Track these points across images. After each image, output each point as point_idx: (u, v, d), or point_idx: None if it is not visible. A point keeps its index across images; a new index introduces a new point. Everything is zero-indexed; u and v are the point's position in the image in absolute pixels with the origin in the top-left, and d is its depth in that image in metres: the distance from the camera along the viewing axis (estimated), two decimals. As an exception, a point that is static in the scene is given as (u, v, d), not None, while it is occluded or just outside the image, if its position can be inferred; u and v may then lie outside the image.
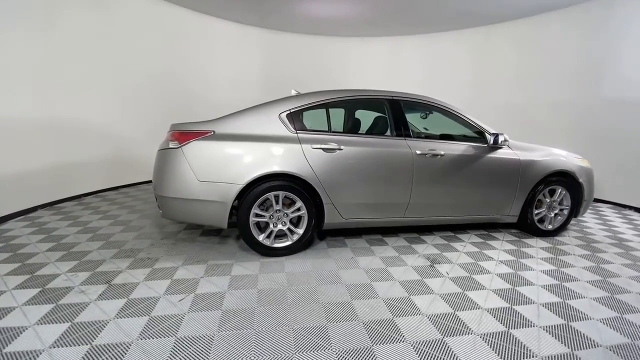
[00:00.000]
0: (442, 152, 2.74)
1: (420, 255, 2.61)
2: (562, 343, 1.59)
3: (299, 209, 2.48)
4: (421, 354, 1.49)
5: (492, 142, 2.85)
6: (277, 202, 2.44)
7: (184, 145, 2.35)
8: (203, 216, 2.43)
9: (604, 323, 1.78)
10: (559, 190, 3.09)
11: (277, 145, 2.42)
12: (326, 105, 2.69)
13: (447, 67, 6.64)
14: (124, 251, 2.55)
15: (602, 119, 4.68)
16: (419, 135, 2.88)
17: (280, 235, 2.53)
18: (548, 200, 3.10)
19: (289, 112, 2.55)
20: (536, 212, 3.08)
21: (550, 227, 3.14)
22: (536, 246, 2.90)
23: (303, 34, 6.96)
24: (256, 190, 2.36)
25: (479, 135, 2.93)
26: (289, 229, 2.50)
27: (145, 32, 5.02)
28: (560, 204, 3.14)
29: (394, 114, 2.79)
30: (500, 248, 2.83)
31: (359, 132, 2.88)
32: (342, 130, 2.91)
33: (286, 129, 2.49)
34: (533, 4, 4.93)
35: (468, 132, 2.95)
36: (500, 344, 1.57)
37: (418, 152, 2.68)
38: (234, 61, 6.49)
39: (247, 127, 2.47)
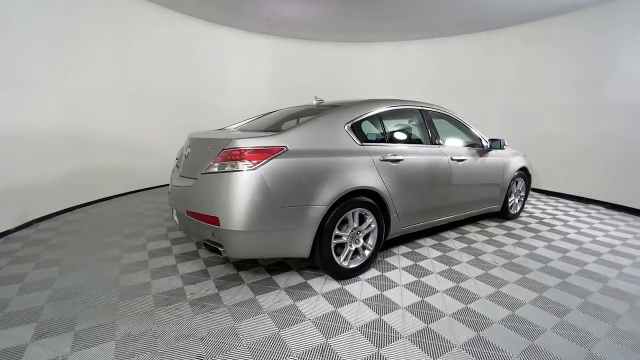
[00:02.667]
0: (464, 157, 3.10)
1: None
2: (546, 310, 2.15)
3: (369, 225, 2.41)
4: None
5: (489, 146, 3.40)
6: (353, 220, 2.31)
7: (261, 165, 1.95)
8: (283, 248, 2.09)
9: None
10: (520, 181, 3.93)
11: (350, 159, 2.28)
12: (379, 116, 2.64)
13: (452, 72, 6.70)
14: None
15: (606, 122, 4.72)
16: (444, 143, 3.15)
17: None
18: (516, 190, 3.91)
19: (352, 123, 2.41)
20: (509, 200, 3.85)
21: (515, 211, 3.98)
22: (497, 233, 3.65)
23: (309, 41, 7.15)
24: (338, 210, 2.18)
25: (478, 140, 3.42)
26: (362, 246, 2.41)
27: (158, 42, 5.22)
28: (519, 192, 4.00)
29: (427, 123, 2.97)
30: (455, 248, 3.45)
31: (406, 141, 2.93)
32: (398, 140, 2.88)
33: (353, 141, 2.35)
34: (536, 9, 5.00)
35: (470, 138, 3.40)
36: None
37: (451, 158, 2.96)
38: (242, 68, 6.65)
39: (315, 140, 2.21)
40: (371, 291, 2.21)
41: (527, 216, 4.16)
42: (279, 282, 2.30)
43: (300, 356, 1.58)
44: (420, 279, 2.40)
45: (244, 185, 1.91)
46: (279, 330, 1.78)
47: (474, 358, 1.60)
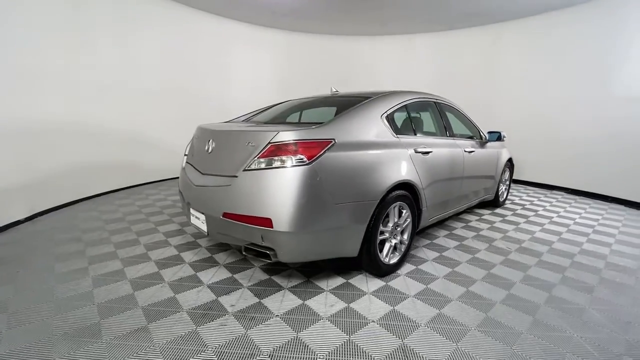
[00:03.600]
0: (473, 149, 3.21)
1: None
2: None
3: (405, 219, 2.37)
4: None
5: (487, 138, 3.57)
6: (394, 214, 2.25)
7: (316, 160, 1.78)
8: (334, 248, 1.96)
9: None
10: (507, 171, 4.22)
11: (391, 152, 2.21)
12: (406, 107, 2.60)
13: (458, 65, 6.60)
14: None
15: (614, 116, 4.68)
16: (456, 135, 3.22)
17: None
18: (504, 180, 4.19)
19: (387, 113, 2.33)
20: (499, 189, 4.11)
21: (503, 199, 4.27)
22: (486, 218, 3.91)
23: (314, 34, 7.05)
24: (383, 204, 2.09)
25: (477, 132, 3.57)
26: (400, 241, 2.36)
27: (162, 35, 5.17)
28: (506, 181, 4.30)
29: (441, 115, 3.01)
30: (467, 236, 3.66)
31: (429, 133, 2.92)
32: (423, 132, 2.86)
33: (390, 133, 2.28)
34: (544, 1, 4.92)
35: (472, 130, 3.54)
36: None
37: (465, 149, 3.05)
38: (247, 61, 6.57)
39: (358, 132, 2.10)
40: (417, 286, 2.18)
41: (510, 203, 4.49)
42: (320, 284, 2.16)
43: (386, 361, 1.49)
44: (454, 269, 2.43)
45: (300, 182, 1.73)
46: (348, 336, 1.65)
47: (542, 340, 1.65)
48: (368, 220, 2.00)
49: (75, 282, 2.13)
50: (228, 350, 1.53)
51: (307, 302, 1.95)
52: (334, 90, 3.09)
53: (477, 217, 3.76)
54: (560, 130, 5.33)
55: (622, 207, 4.46)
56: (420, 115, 3.01)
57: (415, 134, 2.57)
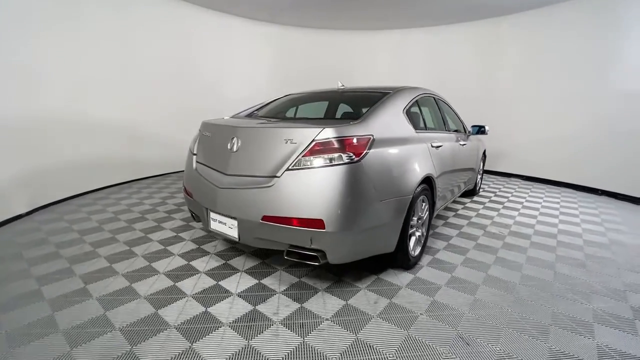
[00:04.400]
0: (464, 142, 3.42)
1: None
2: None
3: (425, 211, 2.44)
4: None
5: (471, 132, 3.83)
6: (420, 208, 2.31)
7: (364, 157, 1.73)
8: (377, 245, 1.98)
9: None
10: (482, 162, 4.58)
11: (416, 147, 2.27)
12: (417, 102, 2.65)
13: (454, 59, 6.60)
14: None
15: (613, 111, 4.67)
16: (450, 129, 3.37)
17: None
18: (479, 170, 4.54)
19: (406, 109, 2.36)
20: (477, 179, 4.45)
21: (478, 188, 4.63)
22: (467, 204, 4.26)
23: (311, 29, 7.06)
24: (413, 198, 2.13)
25: (461, 125, 3.81)
26: (422, 233, 2.43)
27: (160, 30, 5.18)
28: (481, 171, 4.66)
29: (440, 109, 3.14)
30: (462, 224, 3.96)
31: (435, 127, 3.00)
32: (430, 127, 2.92)
33: (411, 128, 2.32)
34: None
35: (459, 123, 3.76)
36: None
37: (459, 143, 3.23)
38: (244, 57, 6.62)
39: (389, 128, 2.11)
40: (443, 275, 2.27)
41: (483, 191, 4.89)
42: (356, 283, 2.13)
43: (447, 356, 1.53)
44: (467, 256, 2.58)
45: (351, 180, 1.69)
46: (407, 331, 1.67)
47: (558, 308, 1.84)
48: (405, 214, 2.02)
49: (80, 305, 1.83)
50: (295, 362, 1.45)
51: (350, 302, 1.91)
52: (340, 85, 3.05)
53: (462, 206, 4.03)
54: (520, 122, 5.89)
55: (572, 191, 5.13)
56: (428, 110, 3.11)
57: (426, 129, 2.65)
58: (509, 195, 4.70)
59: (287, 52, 7.11)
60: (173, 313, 1.77)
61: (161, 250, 2.56)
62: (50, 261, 2.36)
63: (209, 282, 2.11)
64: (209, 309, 1.82)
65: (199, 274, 2.21)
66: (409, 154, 2.15)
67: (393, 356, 1.49)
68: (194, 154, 2.34)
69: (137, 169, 5.12)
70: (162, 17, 5.17)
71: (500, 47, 6.04)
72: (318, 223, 1.68)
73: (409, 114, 2.38)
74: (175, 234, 2.90)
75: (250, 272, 2.26)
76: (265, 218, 1.79)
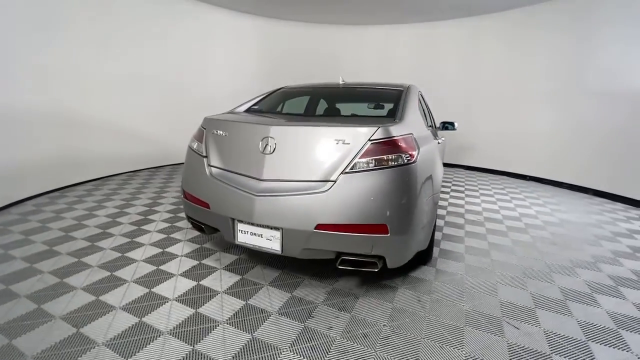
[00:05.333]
0: (441, 139, 3.64)
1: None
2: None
3: (435, 205, 2.55)
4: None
5: (442, 128, 4.11)
6: (436, 203, 2.40)
7: (418, 156, 1.71)
8: (420, 244, 1.95)
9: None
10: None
11: (433, 143, 2.35)
12: (420, 100, 2.72)
13: (440, 56, 6.63)
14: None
15: (588, 109, 4.84)
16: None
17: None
18: (441, 163, 4.93)
19: (418, 106, 2.40)
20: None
21: (440, 178, 5.03)
22: (448, 192, 4.65)
23: (297, 22, 6.95)
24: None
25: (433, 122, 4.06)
26: (434, 227, 2.52)
27: (142, 21, 5.12)
28: (441, 165, 5.07)
29: (426, 106, 3.28)
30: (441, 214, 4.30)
31: (430, 124, 3.09)
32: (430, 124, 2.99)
33: (426, 125, 2.38)
34: None
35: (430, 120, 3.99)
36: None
37: (438, 140, 3.43)
38: (228, 50, 6.56)
39: (418, 125, 2.16)
40: (458, 265, 2.40)
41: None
42: (392, 284, 2.12)
43: (516, 345, 1.63)
44: (466, 245, 2.78)
45: (412, 181, 1.68)
46: (465, 325, 1.71)
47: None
48: (436, 210, 2.07)
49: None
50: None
51: (396, 305, 1.89)
52: (342, 80, 2.94)
53: (433, 196, 4.34)
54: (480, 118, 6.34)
55: (521, 180, 5.84)
56: (424, 106, 3.21)
57: (427, 125, 2.75)
58: (462, 183, 5.23)
59: (272, 46, 6.96)
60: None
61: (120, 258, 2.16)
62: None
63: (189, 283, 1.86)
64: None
65: (175, 276, 1.92)
66: (434, 151, 2.21)
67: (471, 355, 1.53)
68: (204, 156, 2.00)
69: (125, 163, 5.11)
70: (142, 9, 5.06)
71: (481, 45, 6.21)
72: (381, 228, 1.61)
73: (420, 111, 2.43)
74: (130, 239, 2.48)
75: (276, 284, 2.05)
76: (319, 227, 1.64)
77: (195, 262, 2.29)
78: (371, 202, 1.61)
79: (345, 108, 3.00)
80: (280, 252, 1.77)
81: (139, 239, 2.65)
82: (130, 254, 2.38)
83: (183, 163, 2.26)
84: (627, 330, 1.72)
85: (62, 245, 2.50)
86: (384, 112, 2.48)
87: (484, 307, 1.88)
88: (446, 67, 6.68)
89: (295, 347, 1.51)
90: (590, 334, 1.68)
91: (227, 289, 1.96)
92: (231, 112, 2.42)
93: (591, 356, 1.52)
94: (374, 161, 1.64)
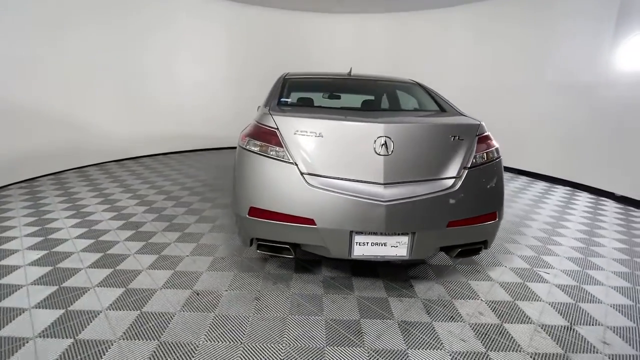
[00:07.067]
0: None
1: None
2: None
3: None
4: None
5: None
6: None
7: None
8: None
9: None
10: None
11: None
12: None
13: (411, 46, 6.72)
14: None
15: (548, 102, 4.95)
16: None
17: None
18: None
19: None
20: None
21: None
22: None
23: (268, 7, 6.75)
24: None
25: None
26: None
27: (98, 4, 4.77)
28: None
29: None
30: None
31: None
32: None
33: None
34: None
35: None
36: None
37: None
38: (197, 36, 6.28)
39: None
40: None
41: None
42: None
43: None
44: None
45: (502, 170, 1.89)
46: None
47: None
48: None
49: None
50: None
51: (519, 303, 1.94)
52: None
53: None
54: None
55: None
56: None
57: None
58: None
59: (244, 32, 6.83)
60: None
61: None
62: None
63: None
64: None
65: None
66: None
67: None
68: (291, 163, 1.71)
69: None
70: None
71: (449, 36, 6.28)
72: (493, 216, 1.81)
73: None
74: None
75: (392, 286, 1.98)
76: (451, 224, 1.71)
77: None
78: (489, 193, 1.80)
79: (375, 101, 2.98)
80: (406, 258, 1.73)
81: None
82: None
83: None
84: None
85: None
86: (433, 105, 2.39)
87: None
88: (415, 58, 6.73)
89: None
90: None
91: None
92: (278, 109, 1.99)
93: None
94: (485, 155, 1.80)
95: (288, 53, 7.07)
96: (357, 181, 1.69)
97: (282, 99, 2.30)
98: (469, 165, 1.75)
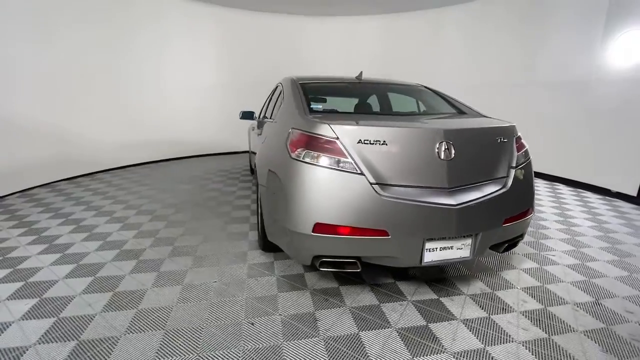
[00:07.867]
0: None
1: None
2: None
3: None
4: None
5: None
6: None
7: None
8: None
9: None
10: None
11: None
12: None
13: (402, 47, 6.77)
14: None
15: (536, 100, 5.02)
16: None
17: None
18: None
19: None
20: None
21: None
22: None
23: (258, 12, 6.70)
24: None
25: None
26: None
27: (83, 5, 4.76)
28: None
29: None
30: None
31: None
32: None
33: None
34: None
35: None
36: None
37: None
38: (185, 40, 6.22)
39: None
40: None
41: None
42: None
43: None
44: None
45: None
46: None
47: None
48: None
49: None
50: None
51: (548, 286, 2.04)
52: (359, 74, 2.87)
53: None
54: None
55: None
56: None
57: None
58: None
59: (233, 37, 6.72)
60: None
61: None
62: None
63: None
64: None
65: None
66: None
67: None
68: (359, 174, 1.63)
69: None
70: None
71: (441, 37, 6.35)
72: (530, 210, 2.00)
73: None
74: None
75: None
76: (505, 221, 1.85)
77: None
78: (527, 189, 1.96)
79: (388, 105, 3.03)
80: (469, 258, 1.81)
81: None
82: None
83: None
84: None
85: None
86: (448, 108, 2.50)
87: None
88: (406, 60, 6.76)
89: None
90: None
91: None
92: (314, 118, 1.89)
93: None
94: (524, 154, 1.99)
95: (280, 56, 7.07)
96: (424, 187, 1.69)
97: (310, 106, 2.19)
98: (514, 165, 1.91)
